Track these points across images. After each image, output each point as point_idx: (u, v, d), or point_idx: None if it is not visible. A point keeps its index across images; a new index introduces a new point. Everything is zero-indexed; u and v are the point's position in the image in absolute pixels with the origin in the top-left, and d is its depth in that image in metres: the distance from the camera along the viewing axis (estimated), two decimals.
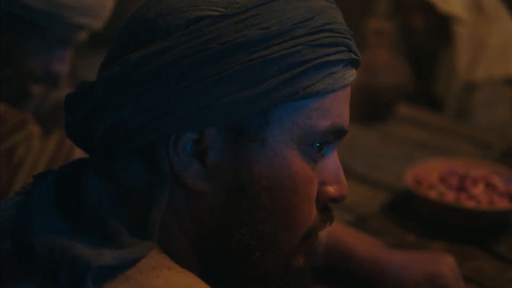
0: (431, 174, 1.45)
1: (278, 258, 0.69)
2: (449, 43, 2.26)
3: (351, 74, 0.70)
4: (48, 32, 1.20)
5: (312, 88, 0.65)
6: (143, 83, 0.64)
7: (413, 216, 1.39)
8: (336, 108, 0.68)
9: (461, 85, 2.30)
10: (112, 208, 0.65)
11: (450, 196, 1.38)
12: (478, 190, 1.39)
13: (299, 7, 0.66)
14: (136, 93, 0.64)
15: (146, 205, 0.65)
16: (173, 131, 0.65)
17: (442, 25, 2.24)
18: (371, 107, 1.96)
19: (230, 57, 0.63)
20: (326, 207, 0.73)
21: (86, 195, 0.67)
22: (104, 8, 1.24)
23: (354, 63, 0.71)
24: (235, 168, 0.66)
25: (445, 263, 1.09)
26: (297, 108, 0.66)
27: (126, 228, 0.64)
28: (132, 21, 0.69)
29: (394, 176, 1.58)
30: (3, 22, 1.17)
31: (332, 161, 0.71)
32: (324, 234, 1.12)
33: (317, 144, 0.68)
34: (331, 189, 0.71)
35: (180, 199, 0.68)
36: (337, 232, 1.13)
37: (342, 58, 0.67)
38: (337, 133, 0.69)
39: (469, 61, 2.28)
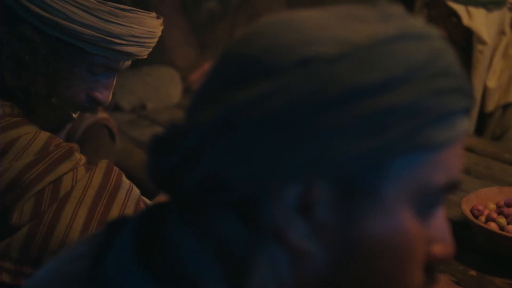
0: (487, 204, 1.39)
1: None
2: (471, 64, 2.20)
3: (467, 123, 0.62)
4: (96, 60, 1.16)
5: (434, 139, 0.57)
6: (248, 128, 0.56)
7: (471, 248, 1.32)
8: (452, 162, 0.60)
9: (494, 106, 2.24)
10: (206, 267, 0.58)
11: (510, 228, 1.30)
12: None
13: (421, 47, 0.58)
14: (239, 139, 0.56)
15: (244, 266, 0.58)
16: (277, 183, 0.57)
17: (467, 44, 2.18)
18: None
19: (349, 103, 0.55)
20: (430, 267, 0.65)
21: (173, 249, 0.60)
22: (155, 38, 1.21)
23: (470, 111, 0.63)
24: (345, 226, 0.58)
25: None
26: (415, 161, 0.58)
27: None
28: (230, 56, 0.60)
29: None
30: (53, 48, 1.13)
31: (440, 217, 0.63)
32: None
33: (431, 200, 0.60)
34: (438, 249, 0.63)
35: (281, 259, 0.60)
36: None
37: (463, 106, 0.60)
38: (451, 189, 0.62)
39: (503, 84, 2.22)
